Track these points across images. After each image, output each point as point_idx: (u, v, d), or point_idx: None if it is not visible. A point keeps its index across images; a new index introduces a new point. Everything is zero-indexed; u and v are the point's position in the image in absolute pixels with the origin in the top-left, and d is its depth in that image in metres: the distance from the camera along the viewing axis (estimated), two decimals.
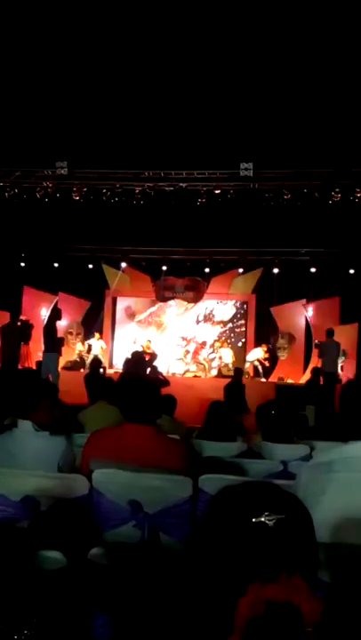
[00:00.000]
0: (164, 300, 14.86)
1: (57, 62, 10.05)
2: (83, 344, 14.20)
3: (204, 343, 14.62)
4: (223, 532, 0.97)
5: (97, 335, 14.14)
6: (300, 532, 0.96)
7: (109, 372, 12.60)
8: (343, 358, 12.22)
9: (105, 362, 13.98)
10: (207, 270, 14.40)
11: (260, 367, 13.50)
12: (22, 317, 12.54)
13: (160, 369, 11.79)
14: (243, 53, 9.92)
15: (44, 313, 13.40)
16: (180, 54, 10.06)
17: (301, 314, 13.99)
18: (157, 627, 1.44)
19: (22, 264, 14.33)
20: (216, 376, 13.30)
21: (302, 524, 0.98)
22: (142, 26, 9.65)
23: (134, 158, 11.35)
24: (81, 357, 13.83)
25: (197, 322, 14.85)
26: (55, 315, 11.37)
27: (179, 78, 10.41)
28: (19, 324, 11.94)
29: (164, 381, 9.21)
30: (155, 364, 11.09)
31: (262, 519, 0.94)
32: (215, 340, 14.54)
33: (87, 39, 9.79)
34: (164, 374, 11.42)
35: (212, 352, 14.43)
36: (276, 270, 13.95)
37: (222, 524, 0.98)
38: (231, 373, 13.34)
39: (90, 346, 13.96)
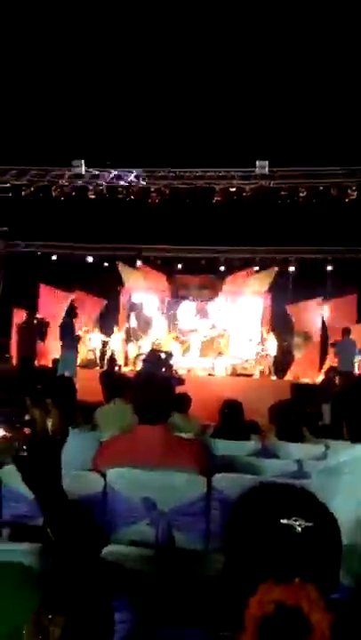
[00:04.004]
0: (179, 297, 14.87)
1: (74, 62, 10.10)
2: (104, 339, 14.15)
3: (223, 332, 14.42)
4: (248, 528, 0.98)
5: (116, 329, 14.21)
6: (325, 543, 0.96)
7: (124, 369, 12.64)
8: (359, 357, 12.13)
9: (121, 359, 14.03)
10: (222, 268, 14.38)
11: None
12: (38, 316, 12.63)
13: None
14: (260, 53, 9.90)
15: (61, 311, 13.48)
16: (197, 53, 10.07)
17: (318, 312, 13.91)
18: (172, 622, 1.45)
19: (38, 262, 14.43)
20: (231, 374, 13.27)
21: (329, 536, 0.98)
22: (159, 27, 9.66)
23: (150, 157, 11.38)
24: (95, 355, 13.87)
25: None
26: (71, 313, 11.44)
27: (196, 77, 10.41)
28: (35, 322, 12.04)
29: (179, 380, 9.22)
30: (170, 362, 11.10)
31: (291, 522, 0.94)
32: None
33: (103, 40, 9.84)
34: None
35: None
36: (291, 268, 13.90)
37: (249, 520, 0.98)
38: (246, 372, 13.34)
39: (106, 342, 13.96)
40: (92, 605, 1.12)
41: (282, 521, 0.94)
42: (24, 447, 1.19)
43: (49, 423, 1.22)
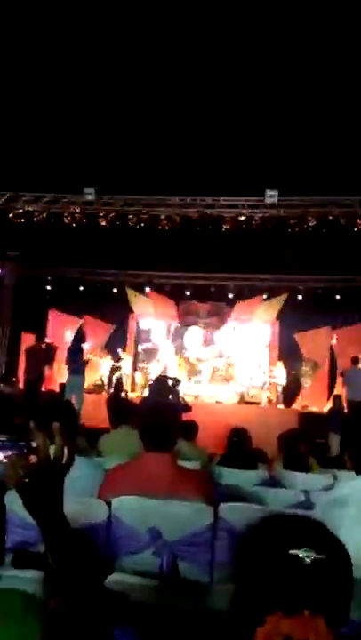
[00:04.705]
0: (188, 324, 14.90)
1: (86, 90, 10.31)
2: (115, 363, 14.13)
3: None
4: (256, 558, 0.97)
5: (124, 355, 14.22)
6: (335, 576, 0.95)
7: (131, 395, 12.62)
8: None
9: (128, 385, 14.00)
10: (231, 296, 14.43)
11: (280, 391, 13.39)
12: (47, 340, 12.68)
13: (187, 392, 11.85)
14: (270, 80, 10.06)
15: (69, 336, 13.54)
16: (208, 83, 10.25)
17: (326, 341, 13.88)
18: None
19: (48, 287, 14.54)
20: (238, 402, 13.21)
21: (340, 569, 0.97)
22: (170, 55, 9.85)
23: (161, 185, 11.52)
24: (102, 381, 13.86)
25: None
26: (80, 338, 11.50)
27: (205, 106, 10.59)
28: (43, 346, 12.09)
29: (186, 407, 9.17)
30: (177, 388, 11.07)
31: (300, 553, 0.93)
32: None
33: (114, 65, 10.04)
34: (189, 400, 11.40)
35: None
36: (300, 297, 13.92)
37: (259, 550, 0.98)
38: (254, 400, 13.26)
39: (114, 367, 13.96)
40: (93, 634, 1.11)
41: (291, 552, 0.94)
42: (27, 473, 1.19)
43: (52, 449, 1.22)
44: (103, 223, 11.80)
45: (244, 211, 11.61)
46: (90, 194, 11.45)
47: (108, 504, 2.47)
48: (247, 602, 0.95)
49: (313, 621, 0.87)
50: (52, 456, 1.21)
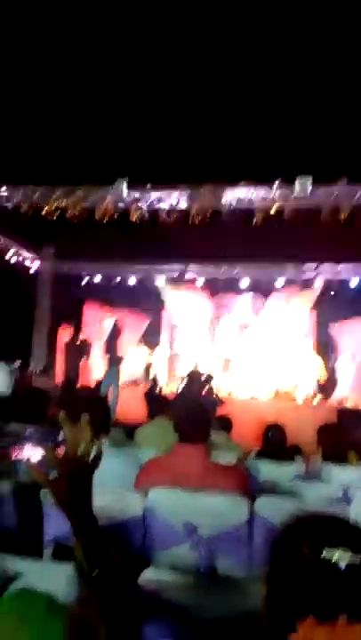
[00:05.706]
0: (221, 317, 14.82)
1: (117, 83, 10.36)
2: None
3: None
4: (289, 559, 0.92)
5: (159, 348, 14.29)
6: None
7: (167, 388, 12.61)
8: None
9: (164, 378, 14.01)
10: (265, 287, 14.27)
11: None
12: (82, 336, 12.79)
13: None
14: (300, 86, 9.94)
15: (105, 329, 13.63)
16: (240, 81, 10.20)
17: None
18: None
19: (83, 282, 14.66)
20: (273, 397, 13.07)
21: None
22: (211, 52, 9.82)
23: (192, 174, 11.48)
24: (139, 374, 13.91)
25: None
26: (116, 331, 11.59)
27: (235, 97, 10.54)
28: (78, 342, 12.26)
29: (219, 401, 9.14)
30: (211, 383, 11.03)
31: (335, 555, 0.88)
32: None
33: (147, 66, 10.07)
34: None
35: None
36: (337, 287, 13.67)
37: (291, 550, 0.92)
38: (289, 395, 13.10)
39: (152, 361, 14.03)
40: (123, 630, 1.08)
41: (326, 554, 0.88)
42: (55, 470, 1.16)
43: (82, 443, 1.18)
44: (134, 219, 11.77)
45: (276, 199, 11.40)
46: (120, 188, 11.46)
47: (145, 496, 2.45)
48: (279, 605, 0.91)
49: (350, 628, 0.80)
50: (80, 450, 1.17)
